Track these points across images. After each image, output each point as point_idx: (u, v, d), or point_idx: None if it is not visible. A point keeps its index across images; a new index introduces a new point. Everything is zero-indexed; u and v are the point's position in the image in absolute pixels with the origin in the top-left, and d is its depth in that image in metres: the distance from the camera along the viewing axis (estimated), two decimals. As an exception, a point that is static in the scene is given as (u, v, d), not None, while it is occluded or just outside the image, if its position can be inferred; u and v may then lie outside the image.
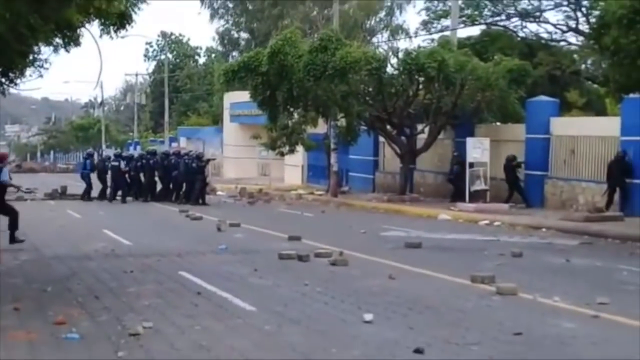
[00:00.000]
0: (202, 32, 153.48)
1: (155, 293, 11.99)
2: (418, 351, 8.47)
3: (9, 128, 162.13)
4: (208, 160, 34.91)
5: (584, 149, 26.81)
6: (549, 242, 19.22)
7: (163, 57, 77.62)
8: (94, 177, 34.37)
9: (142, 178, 34.21)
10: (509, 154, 28.24)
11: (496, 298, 11.60)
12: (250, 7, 63.48)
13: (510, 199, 27.84)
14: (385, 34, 57.33)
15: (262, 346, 8.86)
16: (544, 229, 21.94)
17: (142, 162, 34.24)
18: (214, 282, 12.83)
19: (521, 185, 28.16)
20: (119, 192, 33.35)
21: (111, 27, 13.44)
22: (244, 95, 40.79)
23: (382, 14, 58.64)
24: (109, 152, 39.49)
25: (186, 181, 32.44)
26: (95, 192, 33.71)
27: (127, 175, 33.61)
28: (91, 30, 13.50)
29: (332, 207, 31.07)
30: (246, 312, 10.65)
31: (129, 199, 33.30)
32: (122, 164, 33.64)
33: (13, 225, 18.37)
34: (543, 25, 43.13)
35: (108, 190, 33.83)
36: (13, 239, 18.18)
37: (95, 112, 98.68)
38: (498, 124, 31.86)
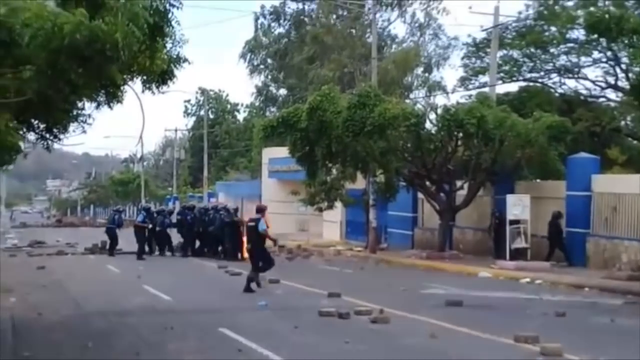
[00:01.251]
0: (241, 88, 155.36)
1: (196, 349, 11.97)
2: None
3: (50, 183, 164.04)
4: (243, 223, 34.58)
5: (626, 206, 26.45)
6: (592, 302, 18.93)
7: (202, 112, 78.40)
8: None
9: (181, 233, 34.28)
10: (554, 210, 27.96)
11: (540, 358, 11.43)
12: (287, 62, 64.03)
13: (551, 256, 27.52)
14: (423, 91, 57.54)
15: (304, 405, 8.79)
16: (586, 288, 21.63)
17: (179, 217, 34.26)
18: (254, 338, 12.78)
19: (564, 243, 27.83)
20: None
21: (153, 84, 13.57)
22: (282, 151, 41.00)
23: (419, 71, 58.89)
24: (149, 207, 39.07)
25: (222, 236, 32.47)
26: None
27: (146, 230, 33.18)
28: (133, 87, 13.63)
29: (371, 264, 30.93)
30: (287, 370, 10.60)
31: (167, 253, 33.39)
32: (140, 218, 33.47)
33: (257, 272, 20.06)
34: (582, 81, 43.03)
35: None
36: (249, 288, 19.76)
37: (135, 167, 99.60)
38: (538, 180, 31.63)
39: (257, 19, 64.12)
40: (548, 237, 27.89)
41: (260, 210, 21.32)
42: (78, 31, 10.30)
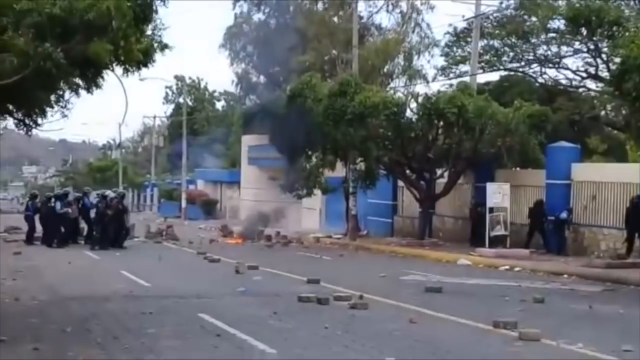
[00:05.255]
0: (221, 76, 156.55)
1: (174, 334, 11.89)
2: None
3: (26, 169, 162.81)
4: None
5: (605, 195, 26.58)
6: (571, 289, 19.00)
7: (181, 100, 78.00)
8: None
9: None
10: (537, 199, 28.03)
11: (519, 344, 11.43)
12: (268, 50, 63.60)
13: (530, 243, 27.58)
14: (403, 79, 57.34)
15: (284, 389, 8.75)
16: (565, 275, 21.74)
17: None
18: (233, 324, 12.71)
19: (545, 230, 27.87)
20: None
21: (133, 68, 13.48)
22: (262, 138, 40.89)
23: (400, 59, 58.61)
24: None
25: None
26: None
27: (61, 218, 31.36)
28: (115, 71, 13.52)
29: (351, 251, 30.93)
30: (266, 354, 10.54)
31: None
32: (58, 206, 31.47)
33: None
34: (562, 71, 43.07)
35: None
36: None
37: (113, 154, 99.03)
38: (518, 169, 31.68)
39: (235, 4, 63.48)
40: (530, 223, 27.90)
41: None
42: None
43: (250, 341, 11.35)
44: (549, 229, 27.55)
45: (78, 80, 13.52)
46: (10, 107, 14.30)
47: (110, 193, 32.63)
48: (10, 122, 15.43)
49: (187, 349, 10.78)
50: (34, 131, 15.19)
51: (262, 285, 18.50)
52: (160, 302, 15.41)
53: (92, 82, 13.41)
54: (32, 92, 12.83)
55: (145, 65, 13.22)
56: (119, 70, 13.63)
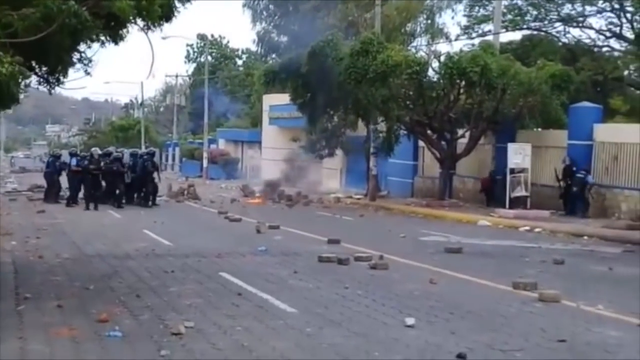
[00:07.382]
0: (241, 34, 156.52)
1: (196, 293, 12.03)
2: (460, 356, 8.41)
3: (50, 128, 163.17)
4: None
5: (627, 156, 26.43)
6: (591, 250, 19.02)
7: (203, 59, 77.88)
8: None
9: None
10: (569, 159, 27.67)
11: (538, 305, 11.50)
12: (291, 10, 63.25)
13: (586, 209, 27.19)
14: (426, 38, 56.91)
15: (304, 347, 8.86)
16: (585, 237, 21.71)
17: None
18: (254, 283, 12.85)
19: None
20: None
21: (155, 23, 13.45)
22: (283, 98, 40.80)
23: (422, 18, 58.15)
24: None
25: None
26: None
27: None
28: (136, 26, 13.49)
29: (371, 211, 30.97)
30: (287, 313, 10.65)
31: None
32: (74, 162, 30.97)
33: None
34: (586, 30, 42.76)
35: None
36: None
37: (135, 113, 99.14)
38: (540, 129, 31.54)
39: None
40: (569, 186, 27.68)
41: None
42: None
43: (271, 300, 11.48)
44: (572, 190, 27.44)
45: (102, 36, 13.49)
46: (34, 64, 14.31)
47: (96, 150, 32.30)
48: (33, 80, 15.41)
49: (208, 308, 10.91)
50: (57, 89, 15.18)
51: (283, 245, 18.61)
52: (181, 261, 15.57)
53: (116, 36, 13.41)
54: (55, 49, 12.82)
55: (168, 20, 13.18)
56: (141, 27, 13.61)
